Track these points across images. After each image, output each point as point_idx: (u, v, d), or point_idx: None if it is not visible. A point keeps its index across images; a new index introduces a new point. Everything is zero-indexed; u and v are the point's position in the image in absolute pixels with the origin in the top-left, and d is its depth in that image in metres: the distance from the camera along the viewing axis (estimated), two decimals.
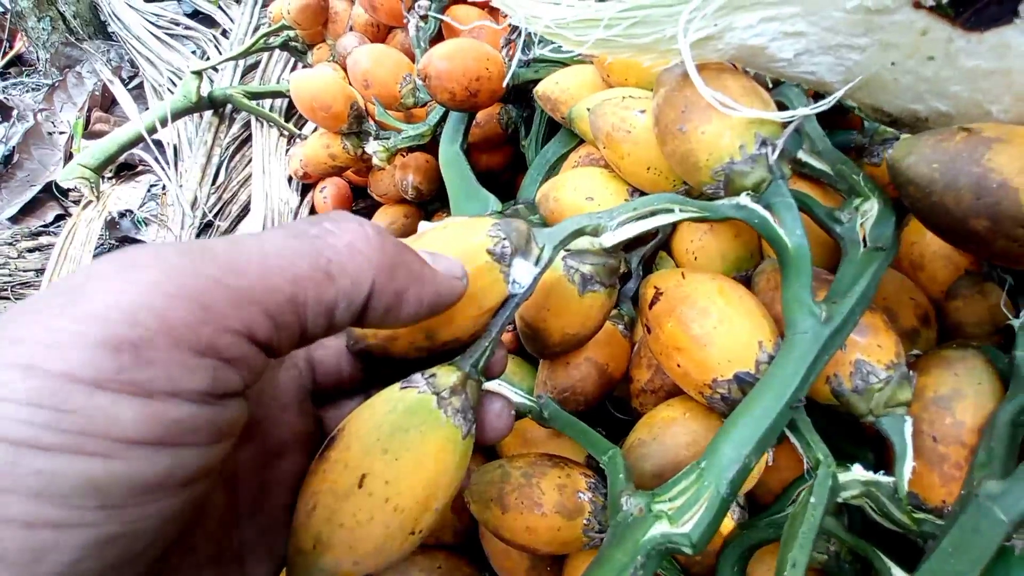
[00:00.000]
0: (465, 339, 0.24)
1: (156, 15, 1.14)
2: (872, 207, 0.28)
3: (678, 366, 0.27)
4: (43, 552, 0.12)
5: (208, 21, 1.15)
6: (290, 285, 0.15)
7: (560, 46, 0.28)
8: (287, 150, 0.84)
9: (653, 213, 0.27)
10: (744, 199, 0.26)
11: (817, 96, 0.30)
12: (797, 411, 0.23)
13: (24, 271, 0.76)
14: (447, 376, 0.22)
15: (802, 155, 0.31)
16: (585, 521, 0.30)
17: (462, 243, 0.24)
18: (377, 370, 0.26)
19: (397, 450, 0.20)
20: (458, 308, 0.23)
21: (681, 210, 0.26)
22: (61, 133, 1.11)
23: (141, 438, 0.13)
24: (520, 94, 0.61)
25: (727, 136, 0.26)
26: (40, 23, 1.34)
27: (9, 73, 1.49)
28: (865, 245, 0.27)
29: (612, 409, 0.41)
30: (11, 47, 1.49)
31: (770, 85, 0.34)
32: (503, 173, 0.70)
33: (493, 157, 0.68)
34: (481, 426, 0.23)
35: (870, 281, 0.25)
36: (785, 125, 0.27)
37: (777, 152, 0.26)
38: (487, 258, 0.23)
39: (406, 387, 0.22)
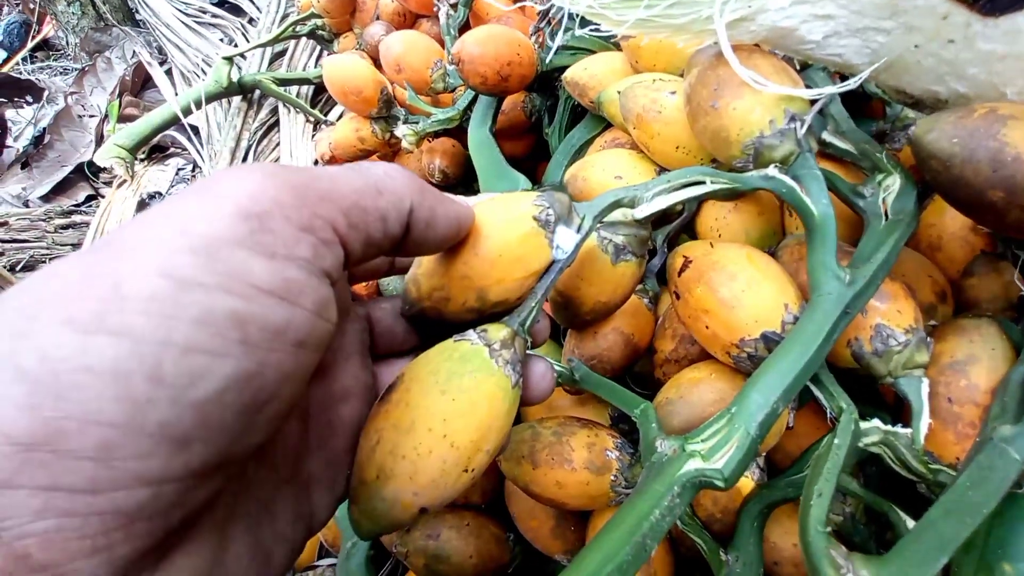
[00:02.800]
0: (512, 302, 0.26)
1: (185, 3, 1.16)
2: (894, 182, 0.29)
3: (706, 328, 0.29)
4: (198, 376, 0.14)
5: (235, 10, 1.17)
6: (353, 194, 0.19)
7: (586, 34, 0.30)
8: (313, 135, 0.86)
9: (686, 185, 0.28)
10: (772, 170, 0.27)
11: (843, 79, 0.32)
12: (821, 367, 0.25)
13: (61, 245, 0.79)
14: (497, 331, 0.24)
15: (827, 136, 0.33)
16: (613, 477, 0.32)
17: (509, 210, 0.25)
18: (429, 335, 0.28)
19: (454, 392, 0.22)
20: (507, 270, 0.25)
21: (712, 181, 0.28)
22: (91, 116, 1.14)
23: (268, 287, 0.16)
24: (544, 83, 0.63)
25: (758, 111, 0.28)
26: (70, 7, 1.37)
27: (36, 56, 1.52)
28: (887, 218, 0.29)
29: (634, 385, 0.43)
30: (39, 30, 1.52)
31: (798, 68, 0.35)
32: (525, 161, 0.71)
33: (516, 145, 0.70)
34: (526, 384, 0.25)
35: (891, 249, 0.26)
36: (813, 103, 0.28)
37: (805, 127, 0.27)
38: (533, 224, 0.25)
39: (460, 340, 0.24)
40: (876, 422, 0.25)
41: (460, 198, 0.24)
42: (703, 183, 0.27)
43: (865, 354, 0.27)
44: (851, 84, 0.28)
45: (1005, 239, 0.35)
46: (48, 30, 1.54)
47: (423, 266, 0.26)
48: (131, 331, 0.14)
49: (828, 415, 0.25)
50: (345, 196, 0.18)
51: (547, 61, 0.53)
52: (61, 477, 0.13)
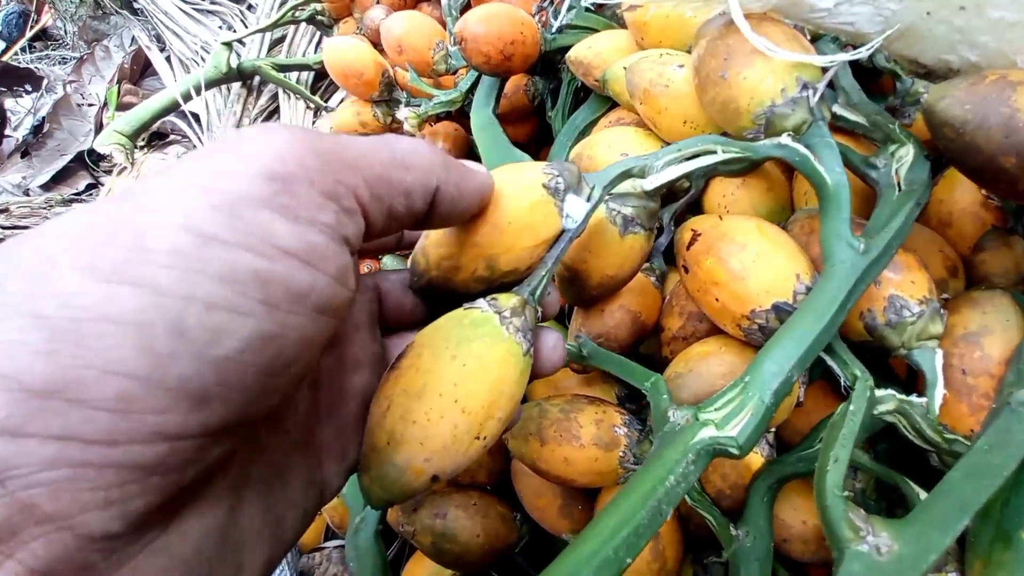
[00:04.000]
0: (522, 271, 0.25)
1: None
2: (907, 152, 0.29)
3: (716, 300, 0.28)
4: (219, 333, 0.14)
5: None
6: (379, 166, 0.18)
7: (591, 8, 0.29)
8: (313, 122, 0.86)
9: (696, 155, 0.28)
10: (785, 139, 0.27)
11: (853, 49, 0.31)
12: (834, 337, 0.24)
13: None
14: (507, 299, 0.24)
15: (837, 108, 0.33)
16: (621, 453, 0.32)
17: (520, 178, 0.25)
18: (437, 307, 0.27)
19: (464, 357, 0.22)
20: (516, 237, 0.24)
21: (723, 150, 0.27)
22: (90, 105, 1.13)
23: (291, 249, 0.15)
24: (547, 66, 0.62)
25: (769, 80, 0.27)
26: None
27: (35, 46, 1.51)
28: (900, 189, 0.28)
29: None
30: (38, 20, 1.51)
31: (808, 38, 0.35)
32: (528, 146, 0.71)
33: (518, 129, 0.69)
34: (537, 355, 0.25)
35: (906, 218, 0.26)
36: (825, 71, 0.28)
37: (818, 95, 0.27)
38: (543, 192, 0.25)
39: (470, 307, 0.23)
40: (891, 391, 0.24)
41: (478, 165, 0.24)
42: (714, 152, 0.27)
43: (878, 325, 0.27)
44: (864, 52, 0.28)
45: (1017, 213, 0.35)
46: (47, 19, 1.53)
47: (431, 237, 0.26)
48: (154, 283, 0.13)
49: (842, 384, 0.25)
50: (371, 167, 0.18)
51: (551, 39, 0.52)
52: (77, 427, 0.13)
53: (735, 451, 0.21)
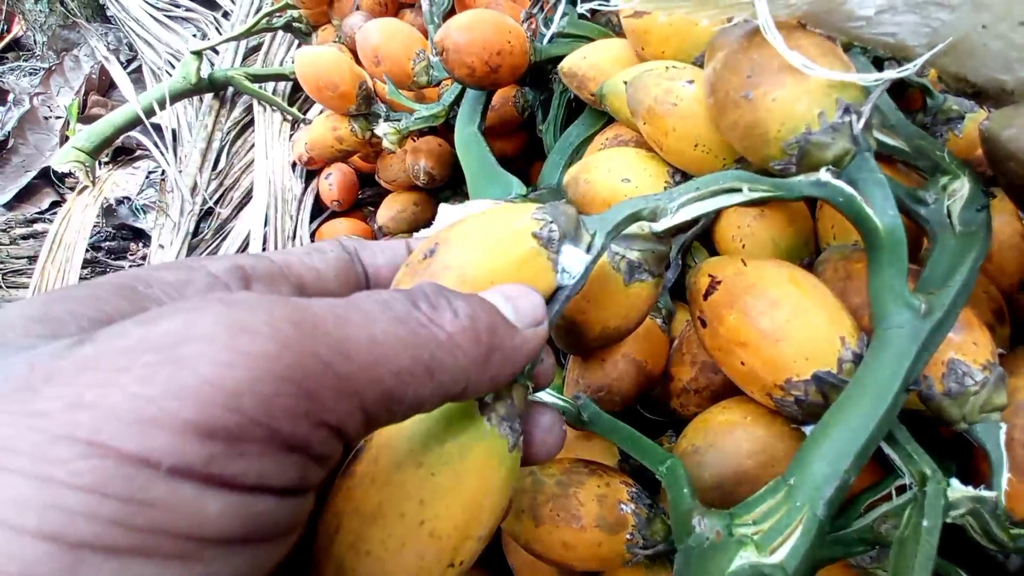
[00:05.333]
0: None
1: None
2: (962, 186, 0.24)
3: (742, 364, 0.24)
4: None
5: (209, 3, 1.11)
6: (392, 378, 0.13)
7: (584, 10, 0.25)
8: (291, 136, 0.81)
9: (716, 193, 0.23)
10: (825, 175, 0.22)
11: (894, 64, 0.27)
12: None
13: (17, 258, 0.73)
14: None
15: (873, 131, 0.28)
16: (628, 536, 0.27)
17: (504, 227, 0.21)
18: None
19: (433, 464, 0.17)
20: None
21: (750, 188, 0.23)
22: (58, 118, 1.07)
23: (224, 536, 0.11)
24: (537, 77, 0.58)
25: (804, 102, 0.23)
26: (37, 5, 1.31)
27: (7, 58, 1.46)
28: (955, 230, 0.24)
29: (642, 410, 0.38)
30: (8, 30, 1.45)
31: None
32: (517, 160, 0.67)
33: (507, 143, 0.65)
34: (528, 441, 0.21)
35: (971, 270, 0.21)
36: (868, 92, 0.24)
37: (863, 121, 0.22)
38: (533, 243, 0.20)
39: None
40: (958, 486, 0.20)
41: (532, 298, 0.19)
42: (739, 190, 0.22)
43: (936, 395, 0.23)
44: (912, 67, 0.23)
45: None
46: (17, 30, 1.48)
47: None
48: None
49: (908, 483, 0.20)
50: (378, 383, 0.13)
51: (541, 48, 0.48)
52: None
53: None
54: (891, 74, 0.23)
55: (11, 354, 0.11)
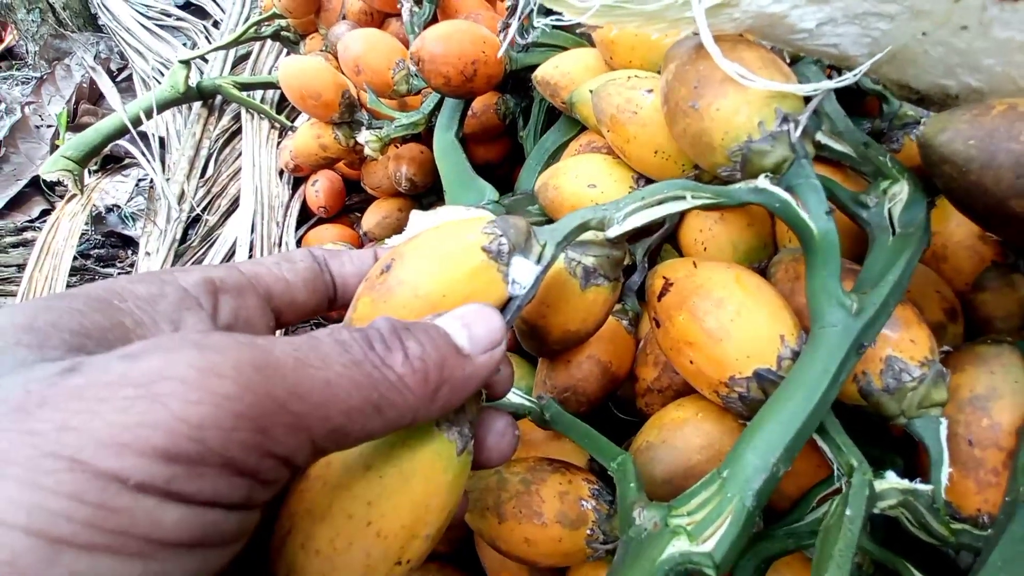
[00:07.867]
0: None
1: (147, 6, 1.11)
2: (901, 190, 0.25)
3: (690, 363, 0.25)
4: None
5: (200, 12, 1.12)
6: (342, 416, 0.15)
7: (548, 25, 0.26)
8: (279, 143, 0.82)
9: (662, 201, 0.24)
10: (763, 181, 0.23)
11: (838, 73, 0.28)
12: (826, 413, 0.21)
13: (6, 267, 0.73)
14: None
15: (821, 137, 0.29)
16: (589, 531, 0.28)
17: (454, 241, 0.22)
18: None
19: (381, 466, 0.18)
20: None
21: (693, 196, 0.24)
22: (49, 127, 1.08)
23: (179, 540, 0.13)
24: (518, 84, 0.59)
25: (744, 112, 0.24)
26: (29, 15, 1.32)
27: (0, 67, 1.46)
28: (894, 231, 0.25)
29: (615, 409, 0.39)
30: (1, 40, 1.46)
31: (788, 61, 0.31)
32: (500, 166, 0.68)
33: (490, 150, 0.66)
34: (481, 445, 0.21)
35: (904, 270, 0.22)
36: (807, 101, 0.25)
37: (800, 129, 0.23)
38: (483, 256, 0.21)
39: None
40: (891, 478, 0.21)
41: (490, 319, 0.20)
42: (683, 198, 0.23)
43: (875, 391, 0.24)
44: (850, 78, 0.24)
45: (1018, 249, 0.31)
46: (10, 40, 1.49)
47: (358, 310, 0.22)
48: None
49: (835, 474, 0.21)
50: (327, 420, 0.15)
51: (517, 58, 0.49)
52: None
53: (710, 571, 0.17)
54: (827, 84, 0.24)
55: (6, 370, 0.14)
